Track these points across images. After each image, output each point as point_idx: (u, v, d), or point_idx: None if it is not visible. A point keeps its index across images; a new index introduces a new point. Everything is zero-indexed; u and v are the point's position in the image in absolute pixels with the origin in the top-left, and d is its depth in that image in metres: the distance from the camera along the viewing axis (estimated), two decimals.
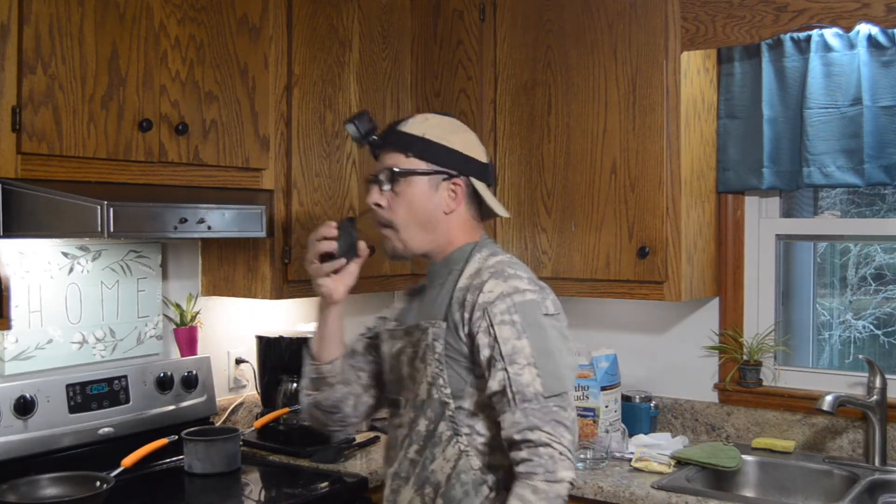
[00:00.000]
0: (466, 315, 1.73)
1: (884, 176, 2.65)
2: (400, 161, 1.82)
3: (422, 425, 1.77)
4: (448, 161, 1.83)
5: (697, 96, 2.80)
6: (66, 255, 2.55)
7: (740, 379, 2.94)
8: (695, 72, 2.78)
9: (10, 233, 2.09)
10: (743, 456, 2.72)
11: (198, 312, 2.87)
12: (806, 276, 3.05)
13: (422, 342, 1.78)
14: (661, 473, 2.56)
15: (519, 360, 1.66)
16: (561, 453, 1.61)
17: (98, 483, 2.24)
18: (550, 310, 1.75)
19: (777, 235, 2.95)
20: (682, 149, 2.70)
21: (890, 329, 2.97)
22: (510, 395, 1.65)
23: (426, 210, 1.82)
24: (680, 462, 2.66)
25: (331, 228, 1.87)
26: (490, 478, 1.73)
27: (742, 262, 2.97)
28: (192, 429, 2.63)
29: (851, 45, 2.67)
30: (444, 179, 1.82)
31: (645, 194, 2.73)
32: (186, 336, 2.81)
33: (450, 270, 1.85)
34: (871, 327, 3.00)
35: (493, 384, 1.68)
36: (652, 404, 2.99)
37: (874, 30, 2.61)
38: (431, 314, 1.81)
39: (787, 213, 2.97)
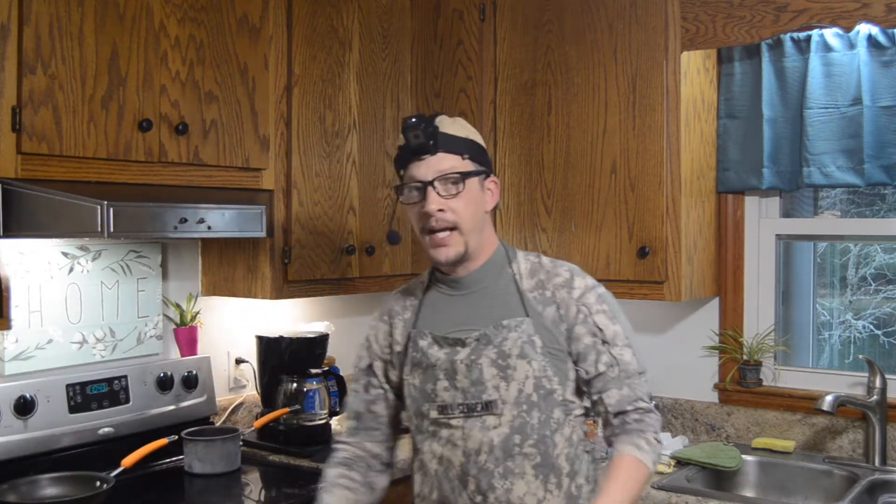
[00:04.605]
0: (562, 311, 1.84)
1: (884, 176, 2.65)
2: (458, 164, 1.81)
3: (534, 418, 1.81)
4: (486, 160, 1.90)
5: (697, 96, 2.80)
6: (66, 255, 2.54)
7: (740, 379, 2.94)
8: (695, 72, 2.78)
9: (10, 233, 2.09)
10: (743, 456, 2.72)
11: (198, 312, 2.86)
12: (806, 276, 3.05)
13: (508, 341, 1.81)
14: (661, 473, 2.56)
15: (618, 342, 1.85)
16: (658, 419, 1.88)
17: (98, 483, 2.25)
18: None
19: (777, 235, 2.95)
20: (682, 149, 2.70)
21: (890, 329, 2.97)
22: (616, 373, 1.84)
23: (479, 210, 1.86)
24: (680, 462, 2.66)
25: None
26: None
27: (742, 262, 2.97)
28: (192, 429, 2.63)
29: (851, 45, 2.66)
30: (485, 178, 1.88)
31: (645, 194, 2.73)
32: (186, 336, 2.81)
33: (499, 271, 1.89)
34: (871, 327, 3.00)
35: (600, 366, 1.84)
36: (652, 404, 2.98)
37: (874, 30, 2.61)
38: (505, 314, 1.84)
39: (787, 213, 2.97)
